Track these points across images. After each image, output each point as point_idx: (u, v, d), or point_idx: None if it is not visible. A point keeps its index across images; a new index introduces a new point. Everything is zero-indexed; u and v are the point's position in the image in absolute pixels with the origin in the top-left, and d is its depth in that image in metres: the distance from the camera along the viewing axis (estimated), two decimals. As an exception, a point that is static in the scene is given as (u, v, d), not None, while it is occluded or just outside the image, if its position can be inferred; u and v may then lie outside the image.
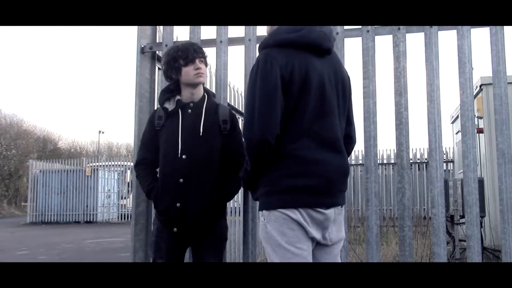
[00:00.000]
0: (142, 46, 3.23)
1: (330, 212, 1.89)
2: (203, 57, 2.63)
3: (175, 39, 3.28)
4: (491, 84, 2.77)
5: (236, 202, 5.13)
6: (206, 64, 2.65)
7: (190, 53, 2.59)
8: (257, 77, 1.85)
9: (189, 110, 2.59)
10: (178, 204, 2.48)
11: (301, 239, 1.82)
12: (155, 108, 2.86)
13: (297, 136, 1.85)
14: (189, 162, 2.51)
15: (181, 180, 2.49)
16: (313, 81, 1.87)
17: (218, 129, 2.60)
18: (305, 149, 1.85)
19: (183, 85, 2.63)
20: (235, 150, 2.61)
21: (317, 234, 1.86)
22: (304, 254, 1.82)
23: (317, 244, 1.92)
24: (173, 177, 2.51)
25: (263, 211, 1.89)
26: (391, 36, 2.85)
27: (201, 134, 2.56)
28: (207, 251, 2.55)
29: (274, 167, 1.86)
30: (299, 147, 1.85)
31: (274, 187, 1.86)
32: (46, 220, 17.97)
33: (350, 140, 2.11)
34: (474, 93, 5.60)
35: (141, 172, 2.66)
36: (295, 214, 1.81)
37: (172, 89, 2.66)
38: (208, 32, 3.12)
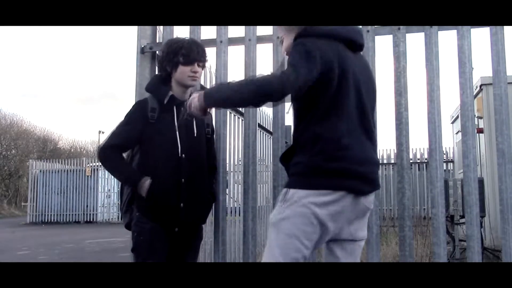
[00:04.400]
0: (142, 46, 3.23)
1: None
2: (204, 61, 2.59)
3: (175, 39, 3.28)
4: (491, 84, 2.77)
5: (236, 202, 5.12)
6: (203, 67, 2.63)
7: (193, 54, 2.52)
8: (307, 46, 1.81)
9: (182, 109, 2.49)
10: (181, 205, 2.46)
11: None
12: (142, 99, 2.67)
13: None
14: (189, 162, 2.50)
15: (183, 180, 2.47)
16: (349, 74, 1.88)
17: (204, 132, 2.66)
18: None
19: (174, 81, 2.56)
20: (213, 154, 2.76)
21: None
22: None
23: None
24: (174, 176, 2.46)
25: None
26: (391, 36, 2.86)
27: (195, 135, 2.57)
28: (190, 252, 2.61)
29: None
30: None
31: None
32: (46, 220, 17.97)
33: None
34: (474, 93, 5.60)
35: (117, 158, 2.48)
36: None
37: (165, 81, 2.57)
38: (208, 32, 3.11)
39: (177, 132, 2.49)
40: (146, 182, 2.42)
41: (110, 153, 2.47)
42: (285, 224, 1.80)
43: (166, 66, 2.53)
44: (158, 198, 2.44)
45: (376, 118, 2.14)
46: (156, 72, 3.25)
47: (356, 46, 1.99)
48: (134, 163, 2.56)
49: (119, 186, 2.68)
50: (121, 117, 2.57)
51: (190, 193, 2.49)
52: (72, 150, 34.79)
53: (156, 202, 2.44)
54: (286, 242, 1.78)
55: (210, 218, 3.08)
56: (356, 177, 1.84)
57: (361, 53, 2.10)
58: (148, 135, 2.48)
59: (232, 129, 4.56)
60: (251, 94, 1.73)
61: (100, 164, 2.55)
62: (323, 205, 1.78)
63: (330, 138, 1.83)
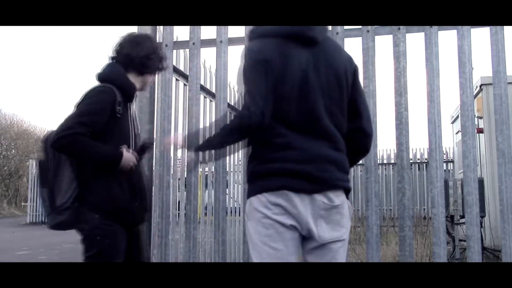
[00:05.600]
0: (142, 46, 3.23)
1: None
2: None
3: (175, 39, 3.28)
4: (491, 84, 2.78)
5: (236, 202, 5.12)
6: None
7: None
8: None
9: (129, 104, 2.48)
10: (136, 203, 2.41)
11: None
12: (104, 86, 2.36)
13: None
14: (138, 160, 2.43)
15: (134, 179, 2.42)
16: (289, 72, 1.81)
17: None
18: None
19: (135, 79, 2.44)
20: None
21: None
22: None
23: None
24: (128, 175, 2.35)
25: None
26: (391, 36, 2.86)
27: (139, 132, 2.54)
28: (141, 252, 2.57)
29: None
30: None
31: None
32: (46, 220, 17.94)
33: (362, 133, 1.98)
34: (474, 93, 5.60)
35: (91, 141, 2.21)
36: None
37: None
38: (208, 32, 3.12)
39: (133, 129, 2.42)
40: (125, 152, 2.29)
41: (83, 139, 2.19)
42: (252, 235, 1.81)
43: (142, 66, 2.42)
44: (120, 199, 2.34)
45: (362, 109, 1.97)
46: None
47: (307, 40, 1.86)
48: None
49: (48, 181, 2.32)
50: (87, 100, 2.28)
51: (140, 192, 2.47)
52: (72, 150, 34.73)
53: (118, 203, 2.33)
54: (259, 252, 1.78)
55: (210, 218, 3.08)
56: (294, 175, 1.76)
57: (335, 48, 1.96)
58: (110, 129, 2.29)
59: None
60: (232, 139, 1.89)
61: (63, 150, 2.20)
62: (271, 205, 1.76)
63: (264, 141, 1.80)
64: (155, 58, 2.46)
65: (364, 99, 2.03)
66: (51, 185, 2.31)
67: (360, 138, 1.99)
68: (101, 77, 2.39)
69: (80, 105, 2.28)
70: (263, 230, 1.77)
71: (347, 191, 1.90)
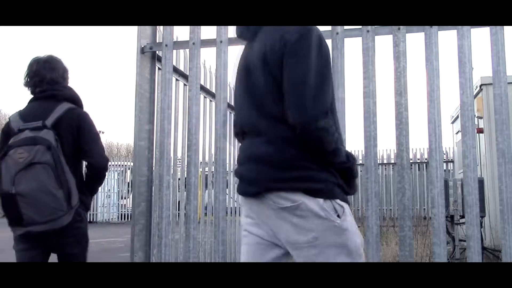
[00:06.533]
0: (142, 46, 3.23)
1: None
2: None
3: (175, 39, 3.28)
4: (491, 84, 2.78)
5: (236, 202, 5.12)
6: None
7: None
8: None
9: None
10: None
11: None
12: (76, 107, 2.55)
13: None
14: None
15: None
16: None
17: None
18: None
19: None
20: None
21: None
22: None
23: None
24: None
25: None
26: (391, 36, 2.86)
27: None
28: None
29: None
30: None
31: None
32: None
33: (292, 121, 1.59)
34: (474, 93, 5.60)
35: None
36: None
37: None
38: (208, 32, 3.12)
39: None
40: None
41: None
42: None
43: (67, 83, 2.62)
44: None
45: (287, 87, 1.58)
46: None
47: (246, 37, 1.89)
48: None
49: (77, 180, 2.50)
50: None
51: None
52: (72, 150, 34.66)
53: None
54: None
55: (210, 218, 3.08)
56: (238, 177, 1.79)
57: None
58: None
59: (232, 129, 4.55)
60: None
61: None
62: (243, 209, 1.86)
63: None
64: (68, 73, 2.65)
65: (298, 81, 1.59)
66: (67, 187, 2.47)
67: (293, 125, 1.59)
68: (69, 98, 2.55)
69: (93, 133, 2.51)
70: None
71: (307, 191, 1.60)
